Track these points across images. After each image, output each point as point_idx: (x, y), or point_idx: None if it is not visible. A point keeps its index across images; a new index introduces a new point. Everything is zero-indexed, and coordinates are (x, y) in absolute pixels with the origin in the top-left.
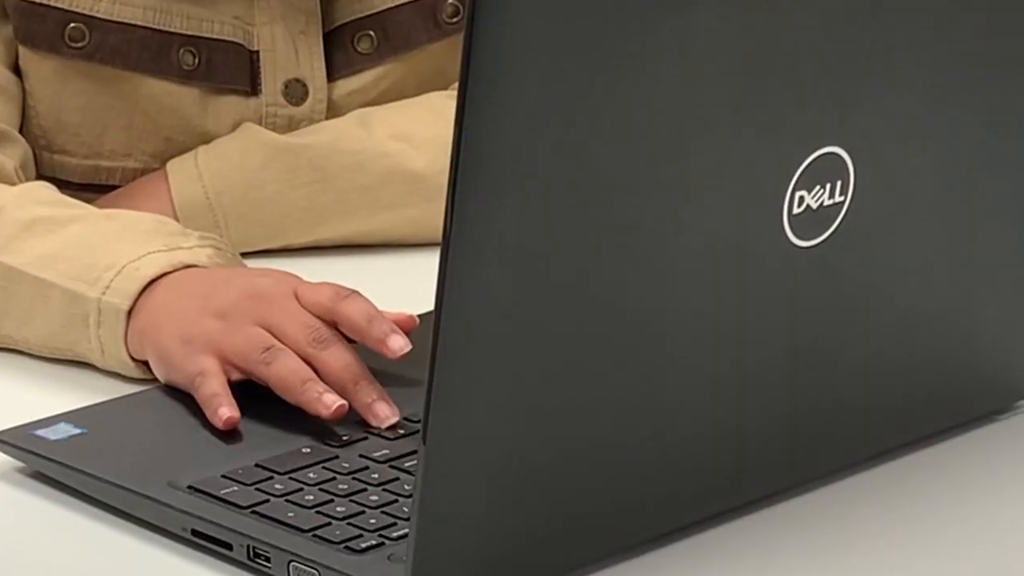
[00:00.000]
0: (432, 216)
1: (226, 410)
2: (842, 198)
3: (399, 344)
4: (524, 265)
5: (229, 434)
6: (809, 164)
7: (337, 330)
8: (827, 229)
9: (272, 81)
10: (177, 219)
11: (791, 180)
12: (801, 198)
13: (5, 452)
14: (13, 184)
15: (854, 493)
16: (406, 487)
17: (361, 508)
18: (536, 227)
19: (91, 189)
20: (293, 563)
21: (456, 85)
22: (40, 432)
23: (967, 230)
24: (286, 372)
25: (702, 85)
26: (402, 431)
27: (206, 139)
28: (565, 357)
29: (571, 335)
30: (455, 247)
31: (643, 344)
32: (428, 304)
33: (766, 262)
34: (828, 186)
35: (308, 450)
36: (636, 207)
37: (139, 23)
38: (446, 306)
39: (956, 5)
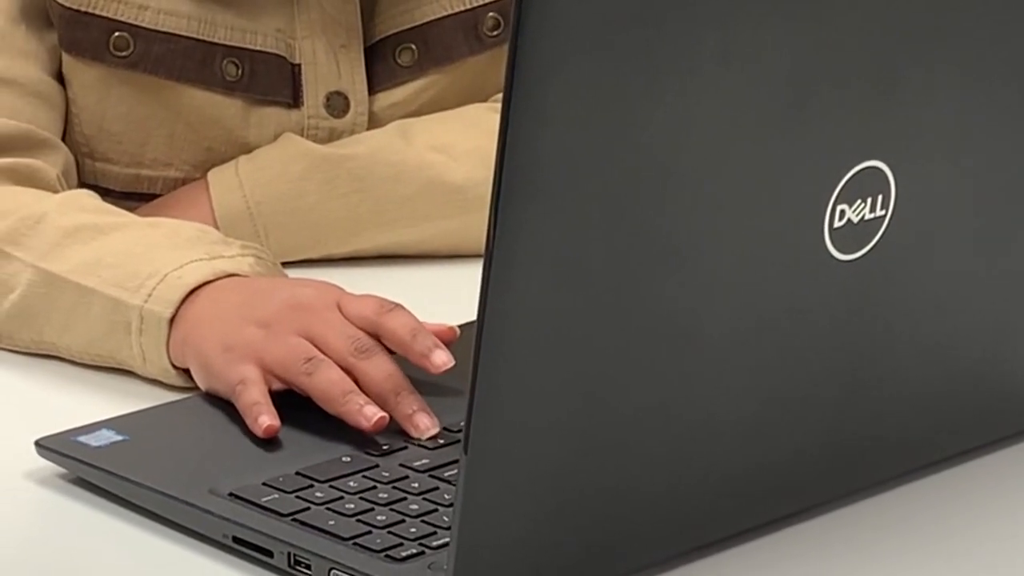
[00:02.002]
0: (471, 227)
1: (266, 418)
2: (883, 212)
3: (442, 359)
4: (566, 277)
5: (270, 442)
6: (850, 178)
7: (379, 342)
8: (868, 243)
9: (314, 94)
10: (218, 228)
11: (832, 194)
12: (842, 212)
13: (47, 458)
14: (55, 191)
15: (891, 507)
16: (446, 496)
17: (401, 517)
18: (578, 239)
19: (132, 197)
20: (334, 571)
21: (496, 97)
22: (82, 438)
23: (1008, 244)
24: (327, 383)
25: (744, 98)
26: (442, 441)
27: (247, 150)
28: (606, 368)
29: (612, 346)
30: (498, 258)
31: (684, 356)
32: (467, 315)
33: (807, 275)
34: (869, 200)
35: (348, 459)
36: (677, 220)
37: (183, 33)
38: (489, 316)
39: (997, 19)
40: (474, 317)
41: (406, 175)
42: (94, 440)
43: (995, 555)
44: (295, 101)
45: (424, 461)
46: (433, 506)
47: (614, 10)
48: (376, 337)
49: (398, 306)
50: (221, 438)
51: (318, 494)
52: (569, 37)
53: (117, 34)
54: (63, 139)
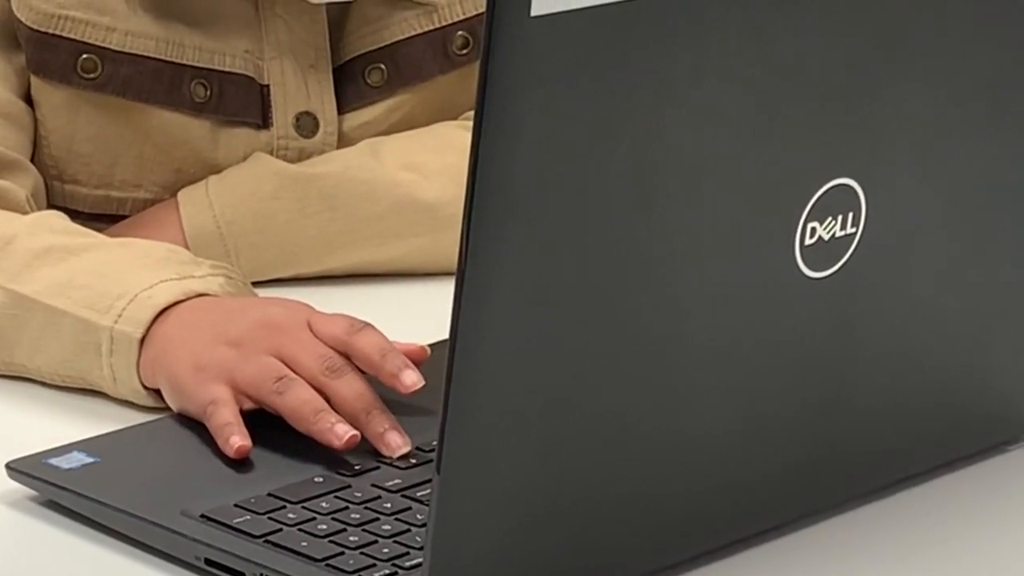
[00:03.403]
0: (442, 246)
1: (238, 439)
2: (854, 229)
3: (412, 379)
4: (538, 295)
5: (241, 463)
6: (821, 196)
7: (350, 362)
8: (839, 260)
9: (283, 114)
10: (188, 248)
11: (803, 212)
12: (813, 229)
13: (18, 481)
14: (25, 213)
15: (864, 523)
16: (418, 516)
17: (374, 537)
18: (550, 258)
19: (101, 219)
20: None
21: (466, 115)
22: (53, 461)
23: (978, 261)
24: (298, 402)
25: (715, 117)
26: (414, 460)
27: (217, 171)
28: (579, 387)
29: (585, 365)
30: (470, 276)
31: (656, 374)
32: (438, 333)
33: (778, 293)
34: (840, 217)
35: (320, 479)
36: (649, 238)
37: (151, 55)
38: (461, 335)
39: (968, 37)
40: (445, 336)
41: (377, 194)
42: (65, 462)
43: (973, 567)
44: (264, 122)
45: (396, 481)
46: (406, 526)
47: (585, 29)
48: (346, 357)
49: (368, 326)
50: (193, 459)
51: (290, 515)
52: (540, 56)
53: (85, 56)
54: (32, 161)
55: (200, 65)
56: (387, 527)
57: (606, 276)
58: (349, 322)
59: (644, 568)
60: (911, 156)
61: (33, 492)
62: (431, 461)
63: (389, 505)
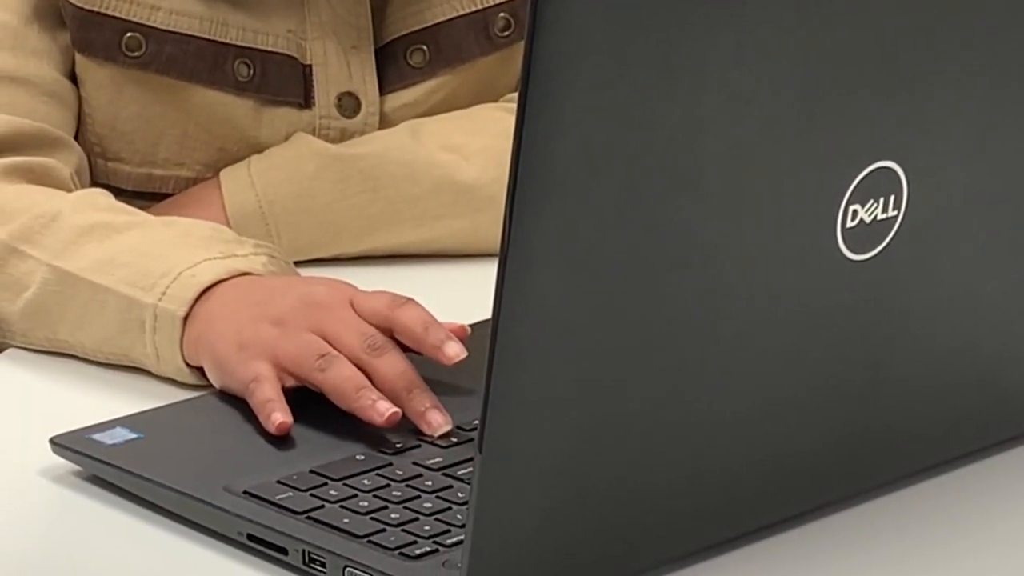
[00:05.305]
0: (482, 227)
1: (279, 416)
2: (895, 212)
3: (455, 351)
4: (580, 274)
5: (284, 440)
6: (863, 178)
7: (392, 338)
8: (880, 243)
9: (325, 94)
10: (230, 227)
11: (845, 194)
12: (855, 212)
13: (62, 456)
14: (69, 190)
15: (896, 509)
16: (460, 495)
17: (415, 515)
18: (592, 238)
19: (144, 197)
20: (348, 568)
21: (507, 97)
22: (97, 436)
23: (1017, 245)
24: (340, 379)
25: (757, 99)
26: (455, 439)
27: (259, 150)
28: (620, 366)
29: (626, 345)
30: (513, 256)
31: (696, 354)
32: (479, 314)
33: (819, 275)
34: (881, 200)
35: (362, 457)
36: (690, 219)
37: (195, 34)
38: (504, 314)
39: (1011, 21)
40: (485, 316)
41: (417, 175)
42: (109, 438)
43: (1007, 555)
44: (306, 101)
45: (437, 459)
46: (447, 504)
47: (628, 11)
48: (389, 332)
49: (410, 300)
50: (235, 436)
51: (332, 492)
52: (583, 37)
53: (129, 34)
54: (76, 138)
55: (243, 44)
56: (428, 505)
57: (648, 256)
58: (391, 297)
59: (684, 548)
60: (953, 140)
61: (77, 467)
62: (472, 440)
63: (430, 483)
